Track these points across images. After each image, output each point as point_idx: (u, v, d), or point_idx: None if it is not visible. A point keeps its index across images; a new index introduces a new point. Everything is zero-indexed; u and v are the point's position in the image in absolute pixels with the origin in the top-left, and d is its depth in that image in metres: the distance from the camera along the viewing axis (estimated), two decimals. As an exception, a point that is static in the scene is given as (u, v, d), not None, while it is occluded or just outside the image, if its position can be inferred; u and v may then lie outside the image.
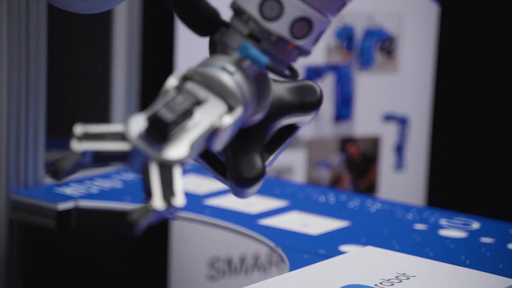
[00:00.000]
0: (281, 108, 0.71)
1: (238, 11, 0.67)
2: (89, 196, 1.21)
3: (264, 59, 0.64)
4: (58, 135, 1.54)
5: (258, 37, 0.66)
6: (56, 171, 0.58)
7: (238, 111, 0.64)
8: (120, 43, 1.41)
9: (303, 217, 1.16)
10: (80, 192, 1.22)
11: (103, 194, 1.22)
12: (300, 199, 1.25)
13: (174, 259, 1.46)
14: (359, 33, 2.00)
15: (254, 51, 0.64)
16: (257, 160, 0.70)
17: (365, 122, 2.03)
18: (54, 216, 1.16)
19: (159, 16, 1.69)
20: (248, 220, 1.13)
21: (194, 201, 1.21)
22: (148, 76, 1.56)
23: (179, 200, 0.59)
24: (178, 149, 0.60)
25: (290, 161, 1.91)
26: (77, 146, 0.59)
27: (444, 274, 0.83)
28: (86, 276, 1.28)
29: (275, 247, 1.03)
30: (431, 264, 0.87)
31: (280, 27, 0.65)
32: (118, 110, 1.42)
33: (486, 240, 1.09)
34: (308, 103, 0.72)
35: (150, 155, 0.60)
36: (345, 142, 2.01)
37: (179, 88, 0.64)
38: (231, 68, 0.65)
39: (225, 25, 0.69)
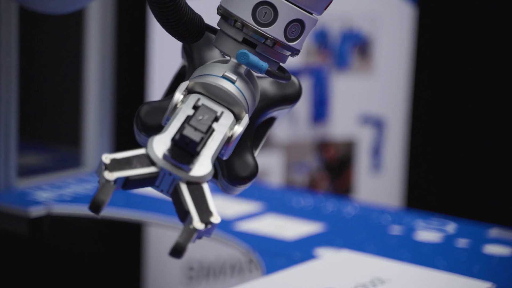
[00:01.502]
0: (266, 103, 0.72)
1: (228, 17, 0.66)
2: (62, 201, 1.19)
3: (264, 65, 0.64)
4: (31, 137, 1.53)
5: (253, 42, 0.66)
6: (96, 206, 0.59)
7: (246, 119, 0.65)
8: (93, 44, 1.39)
9: (279, 220, 1.15)
10: (53, 197, 1.20)
11: (76, 199, 1.21)
12: (276, 202, 1.24)
13: (149, 266, 1.45)
14: (336, 35, 2.00)
15: (254, 58, 0.64)
16: (250, 159, 0.71)
17: (342, 124, 2.02)
18: (27, 222, 1.14)
19: (133, 16, 1.67)
20: (224, 224, 1.12)
21: (167, 205, 1.20)
22: (122, 76, 1.54)
23: (217, 218, 0.60)
24: (204, 166, 0.61)
25: (267, 164, 1.90)
26: (110, 175, 0.59)
27: (418, 278, 0.83)
28: (59, 283, 1.27)
29: (250, 251, 1.02)
30: (406, 268, 0.86)
31: (275, 31, 0.66)
32: (91, 111, 1.40)
33: (462, 242, 1.08)
34: (289, 95, 0.73)
35: (178, 176, 0.60)
36: (322, 144, 2.00)
37: (184, 101, 0.64)
38: (232, 76, 0.65)
39: (209, 29, 0.69)
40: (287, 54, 0.67)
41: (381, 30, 2.06)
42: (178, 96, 0.64)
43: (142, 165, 0.60)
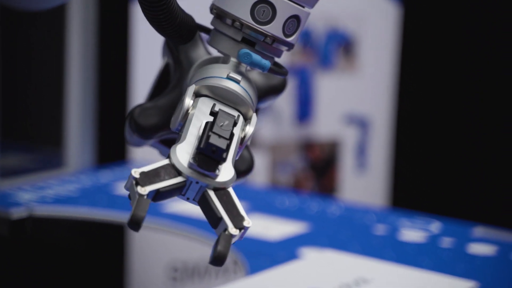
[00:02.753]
0: (258, 95, 0.72)
1: (225, 17, 0.67)
2: (44, 202, 1.18)
3: (267, 63, 0.65)
4: (12, 138, 1.51)
5: (252, 41, 0.66)
6: (136, 223, 0.59)
7: (254, 119, 0.66)
8: (75, 44, 1.38)
9: (263, 220, 1.14)
10: (35, 199, 1.19)
11: (58, 201, 1.20)
12: (260, 202, 1.24)
13: (132, 267, 1.44)
14: (320, 35, 2.00)
15: (257, 57, 0.65)
16: (246, 153, 0.72)
17: (326, 124, 2.02)
18: (8, 224, 1.13)
19: (115, 16, 1.66)
20: (208, 225, 1.11)
21: (151, 206, 1.19)
22: (104, 77, 1.53)
23: (249, 221, 0.62)
24: (228, 171, 0.62)
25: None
26: (143, 190, 0.59)
27: (402, 277, 0.83)
28: (42, 286, 1.26)
29: (234, 252, 1.02)
30: (390, 267, 0.86)
31: (274, 29, 0.66)
32: (73, 112, 1.39)
33: (446, 241, 1.08)
34: (275, 85, 0.73)
35: (205, 183, 0.61)
36: (307, 144, 2.00)
37: (194, 106, 0.64)
38: (237, 76, 0.66)
39: (201, 29, 0.69)
40: (284, 49, 0.68)
41: (365, 30, 2.06)
42: (189, 101, 0.64)
43: (170, 176, 0.61)
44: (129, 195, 0.61)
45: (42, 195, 1.22)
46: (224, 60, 0.69)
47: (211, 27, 0.69)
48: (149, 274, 1.44)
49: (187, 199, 0.62)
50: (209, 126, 0.62)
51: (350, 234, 1.10)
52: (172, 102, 0.71)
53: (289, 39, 0.67)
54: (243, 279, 0.83)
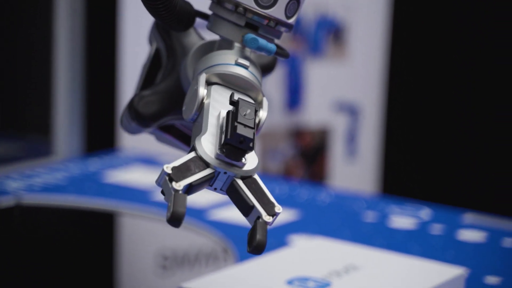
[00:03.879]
0: None
1: (226, 3, 0.67)
2: (32, 191, 1.17)
3: (273, 46, 0.66)
4: (0, 126, 1.50)
5: (256, 25, 0.67)
6: (177, 219, 0.59)
7: (266, 103, 0.66)
8: (63, 34, 1.37)
9: (253, 208, 1.14)
10: (23, 187, 1.18)
11: (46, 189, 1.19)
12: (249, 190, 1.23)
13: (122, 256, 1.43)
14: (310, 22, 1.99)
15: (263, 42, 0.66)
16: None
17: (317, 112, 2.02)
18: (-5, 212, 1.12)
19: (104, 4, 1.65)
20: (197, 213, 1.11)
21: (141, 195, 1.18)
22: (92, 65, 1.52)
23: (279, 207, 0.63)
24: (253, 158, 0.63)
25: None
26: (178, 185, 0.60)
27: (392, 264, 0.82)
28: (29, 274, 1.25)
29: (223, 239, 1.01)
30: (380, 254, 0.86)
31: (277, 12, 0.67)
32: (61, 100, 1.38)
33: (437, 228, 1.08)
34: (266, 65, 0.74)
35: (233, 173, 0.62)
36: (297, 132, 2.00)
37: (208, 95, 0.65)
38: (245, 62, 0.66)
39: (200, 15, 0.69)
40: (284, 31, 0.68)
41: (355, 17, 2.05)
42: (203, 91, 0.64)
43: (200, 169, 0.61)
44: (162, 191, 0.61)
45: (30, 183, 1.21)
46: (221, 45, 0.69)
47: (209, 12, 0.69)
48: (138, 263, 1.43)
49: (215, 189, 0.63)
50: (232, 116, 0.62)
51: (340, 221, 1.09)
52: (170, 89, 0.71)
53: (290, 21, 0.68)
54: (232, 266, 0.82)
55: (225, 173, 0.62)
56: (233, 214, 1.11)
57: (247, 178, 0.62)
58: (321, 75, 2.01)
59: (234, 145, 0.61)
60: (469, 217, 1.13)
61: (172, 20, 0.67)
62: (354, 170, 2.09)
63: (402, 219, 1.11)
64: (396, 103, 2.20)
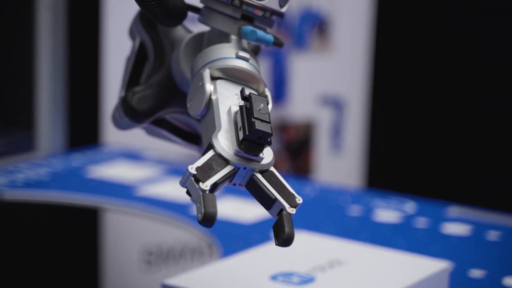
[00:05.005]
0: None
1: None
2: (14, 186, 1.17)
3: (270, 37, 0.67)
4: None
5: (251, 17, 0.68)
6: (210, 220, 0.60)
7: (269, 93, 0.67)
8: (45, 28, 1.36)
9: (238, 203, 1.13)
10: (5, 183, 1.18)
11: (29, 185, 1.18)
12: (234, 184, 1.23)
13: (106, 251, 1.43)
14: (294, 15, 1.98)
15: (261, 33, 0.66)
16: None
17: (301, 105, 2.01)
18: (-23, 209, 1.11)
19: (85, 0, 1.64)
20: (181, 208, 1.11)
21: (125, 190, 1.18)
22: (75, 60, 1.51)
23: (300, 198, 0.64)
24: (268, 151, 0.63)
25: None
26: (204, 185, 0.61)
27: (377, 258, 0.82)
28: (12, 271, 1.24)
29: (207, 235, 1.01)
30: (365, 248, 0.85)
31: (272, 2, 0.68)
32: (44, 95, 1.37)
33: (421, 221, 1.08)
34: (252, 50, 0.74)
35: (252, 168, 0.62)
36: (282, 125, 1.99)
37: (214, 91, 0.65)
38: (246, 55, 0.67)
39: (191, 9, 0.69)
40: (276, 20, 0.69)
41: (340, 10, 2.05)
42: (210, 86, 0.65)
43: (221, 166, 0.62)
44: (187, 192, 0.62)
45: (12, 179, 1.20)
46: (210, 36, 0.69)
47: (200, 5, 0.69)
48: (123, 258, 1.42)
49: (233, 185, 0.63)
50: (247, 112, 0.62)
51: (325, 215, 1.09)
52: (162, 83, 0.71)
53: (283, 10, 0.69)
54: (216, 262, 0.82)
55: (244, 168, 0.62)
56: (218, 209, 1.10)
57: (266, 172, 0.63)
58: (306, 68, 2.01)
59: (253, 141, 0.61)
60: (453, 210, 1.13)
61: (165, 16, 0.67)
62: (339, 164, 2.09)
63: (387, 213, 1.11)
64: (381, 96, 2.20)
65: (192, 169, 0.60)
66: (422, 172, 2.25)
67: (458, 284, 0.86)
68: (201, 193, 0.60)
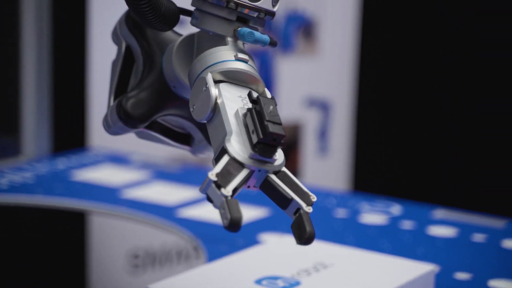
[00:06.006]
0: None
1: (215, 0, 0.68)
2: (-1, 191, 1.16)
3: (266, 37, 0.68)
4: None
5: (247, 18, 0.68)
6: (236, 225, 0.61)
7: (269, 92, 0.68)
8: (30, 33, 1.35)
9: (223, 206, 1.13)
10: (-10, 188, 1.17)
11: (13, 189, 1.17)
12: (220, 188, 1.22)
13: (92, 255, 1.42)
14: (280, 17, 1.98)
15: (258, 34, 0.67)
16: None
17: (288, 107, 2.01)
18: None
19: (71, 5, 1.63)
20: (166, 211, 1.10)
21: (110, 193, 1.17)
22: (60, 65, 1.51)
23: (314, 196, 0.65)
24: (279, 153, 0.64)
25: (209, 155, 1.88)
26: (227, 191, 0.61)
27: (362, 261, 0.82)
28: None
29: (192, 238, 1.00)
30: (350, 251, 0.85)
31: (266, 3, 0.69)
32: (28, 99, 1.36)
33: (407, 224, 1.08)
34: None
35: (267, 170, 0.63)
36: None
37: (219, 95, 0.66)
38: (245, 56, 0.68)
39: (183, 12, 0.70)
40: (268, 19, 0.70)
41: (325, 12, 2.05)
42: (215, 91, 0.65)
43: (238, 170, 0.62)
44: (208, 198, 0.62)
45: (-3, 183, 1.20)
46: (201, 37, 0.70)
47: (191, 8, 0.69)
48: (109, 262, 1.42)
49: (248, 187, 0.64)
50: (259, 115, 0.63)
51: (310, 218, 1.09)
52: (155, 87, 0.71)
53: (275, 9, 0.69)
54: (202, 266, 0.82)
55: (259, 170, 0.63)
56: (203, 212, 1.10)
57: (279, 172, 0.64)
58: (292, 70, 2.01)
59: (266, 143, 0.62)
60: (439, 213, 1.13)
61: (159, 22, 0.68)
62: (325, 166, 2.09)
63: (373, 216, 1.11)
64: (367, 98, 2.20)
65: (212, 175, 0.61)
66: (408, 175, 2.25)
67: (444, 286, 0.86)
68: (224, 199, 0.60)
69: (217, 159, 0.63)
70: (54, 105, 1.41)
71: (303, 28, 2.02)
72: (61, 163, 1.32)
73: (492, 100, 2.12)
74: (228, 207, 0.60)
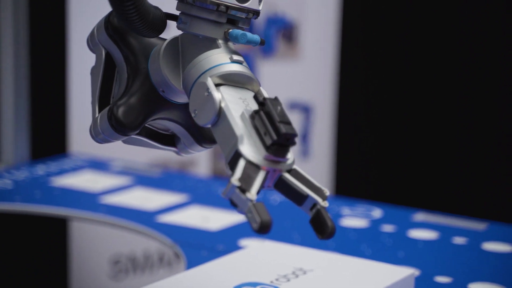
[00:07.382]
0: None
1: (205, 3, 0.68)
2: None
3: (257, 38, 0.69)
4: None
5: (236, 20, 0.69)
6: (266, 227, 0.62)
7: (264, 91, 0.68)
8: (7, 37, 1.34)
9: (204, 211, 1.13)
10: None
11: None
12: (201, 192, 1.22)
13: (75, 260, 1.41)
14: (260, 20, 1.98)
15: (250, 35, 0.69)
16: None
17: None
18: None
19: (49, 10, 1.62)
20: (146, 217, 1.10)
21: (91, 199, 1.16)
22: (38, 71, 1.50)
23: (327, 190, 0.67)
24: (290, 152, 0.65)
25: (194, 154, 1.88)
26: (251, 195, 0.62)
27: (342, 266, 0.82)
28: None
29: (172, 244, 1.00)
30: (330, 256, 0.85)
31: (254, 3, 0.70)
32: (7, 106, 1.35)
33: (388, 228, 1.08)
34: None
35: (280, 169, 0.64)
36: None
37: (223, 98, 0.66)
38: (239, 58, 0.69)
39: (169, 17, 0.70)
40: (254, 18, 0.71)
41: (306, 15, 2.05)
42: (218, 95, 0.66)
43: (256, 173, 0.63)
44: (231, 202, 0.63)
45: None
46: (184, 39, 0.70)
47: (176, 12, 0.70)
48: (90, 268, 1.41)
49: (263, 187, 0.64)
50: (268, 117, 0.64)
51: (291, 223, 1.09)
52: (143, 92, 0.71)
53: (260, 8, 0.70)
54: (181, 272, 0.81)
55: (274, 170, 0.64)
56: (183, 218, 1.10)
57: (291, 170, 0.65)
58: (273, 74, 2.01)
59: (279, 143, 0.63)
60: (419, 216, 1.13)
61: (147, 29, 0.68)
62: (307, 170, 2.09)
63: (354, 220, 1.11)
64: (347, 102, 2.20)
65: (235, 181, 0.62)
66: (388, 179, 2.26)
67: (424, 290, 0.86)
68: (250, 203, 0.61)
69: (231, 163, 0.64)
70: (32, 111, 1.40)
71: (283, 31, 2.02)
72: (41, 169, 1.31)
73: (471, 104, 2.13)
74: (256, 210, 0.61)
